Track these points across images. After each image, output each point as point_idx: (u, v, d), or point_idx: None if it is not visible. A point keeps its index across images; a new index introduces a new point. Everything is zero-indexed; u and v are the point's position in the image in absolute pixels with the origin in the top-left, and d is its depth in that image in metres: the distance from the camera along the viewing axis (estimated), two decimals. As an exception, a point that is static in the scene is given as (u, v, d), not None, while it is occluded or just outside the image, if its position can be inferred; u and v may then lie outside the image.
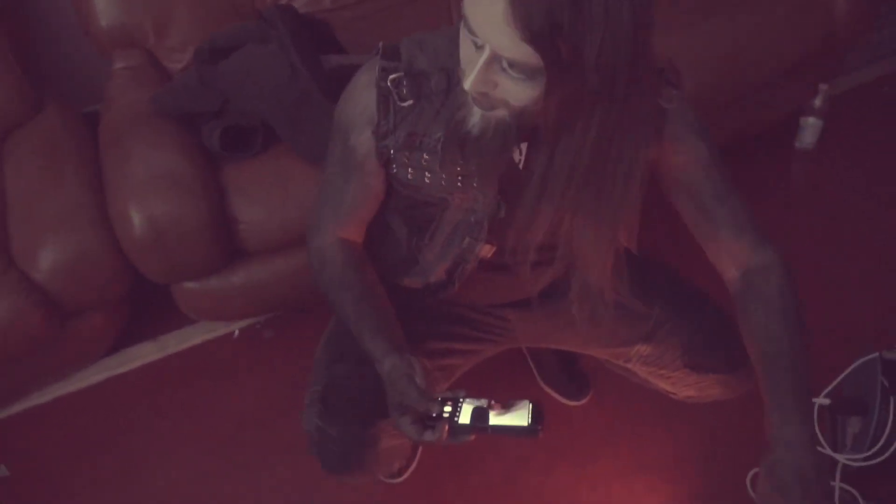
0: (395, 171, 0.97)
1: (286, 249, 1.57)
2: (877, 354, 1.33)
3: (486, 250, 1.06)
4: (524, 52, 0.71)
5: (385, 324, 1.01)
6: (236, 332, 1.76)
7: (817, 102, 2.15)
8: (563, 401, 1.57)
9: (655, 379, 1.23)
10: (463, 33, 0.77)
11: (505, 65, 0.75)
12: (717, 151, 0.98)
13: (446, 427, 0.89)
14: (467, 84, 0.77)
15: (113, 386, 1.66)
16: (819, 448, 1.28)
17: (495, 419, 0.90)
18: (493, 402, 0.92)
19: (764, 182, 2.14)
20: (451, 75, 0.90)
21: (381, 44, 0.93)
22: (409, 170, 0.96)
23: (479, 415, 0.90)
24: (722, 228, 0.99)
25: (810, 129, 2.19)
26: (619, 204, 0.86)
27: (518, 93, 0.77)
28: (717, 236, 1.00)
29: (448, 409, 0.91)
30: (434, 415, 0.90)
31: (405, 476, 1.46)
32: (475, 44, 0.75)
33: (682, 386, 1.20)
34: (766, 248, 0.99)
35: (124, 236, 1.42)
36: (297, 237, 1.51)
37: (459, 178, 0.95)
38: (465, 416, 0.90)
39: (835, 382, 1.37)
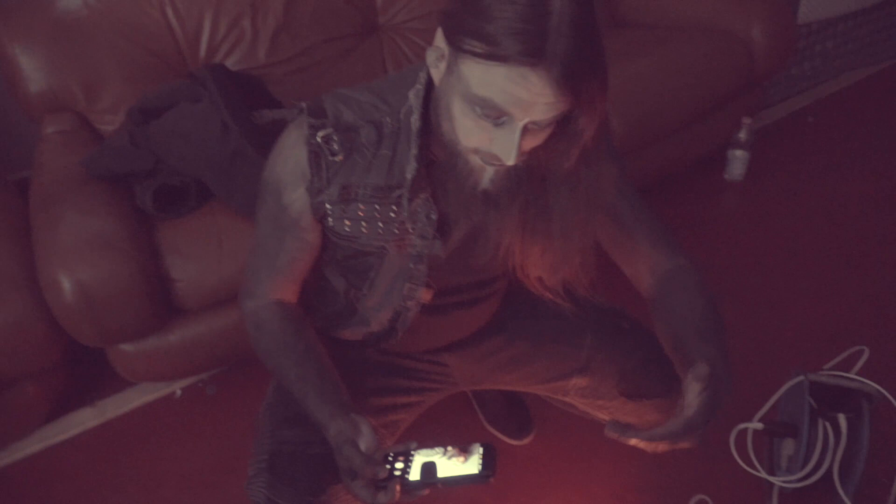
0: (331, 224, 0.98)
1: (225, 305, 1.57)
2: (803, 377, 1.37)
3: (426, 294, 1.07)
4: (559, 108, 0.78)
5: (328, 385, 0.99)
6: (178, 392, 1.74)
7: (742, 135, 2.25)
8: (509, 441, 1.58)
9: (595, 410, 1.25)
10: (470, 114, 0.80)
11: (532, 125, 0.80)
12: (625, 169, 1.03)
13: (398, 486, 0.89)
14: (511, 161, 0.81)
15: (51, 455, 1.61)
16: (755, 472, 1.33)
17: (444, 471, 0.90)
18: (447, 449, 0.93)
19: (695, 214, 2.21)
20: (381, 127, 0.93)
21: (303, 103, 0.95)
22: (346, 222, 0.98)
23: (428, 469, 0.91)
24: (640, 243, 1.04)
25: (738, 162, 2.28)
26: (582, 228, 0.93)
27: (536, 140, 0.83)
28: (636, 251, 1.05)
29: (399, 465, 0.91)
30: (382, 476, 0.90)
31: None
32: (495, 122, 0.80)
33: (621, 415, 1.22)
34: (681, 255, 1.05)
35: (55, 302, 1.40)
36: (235, 292, 1.46)
37: (397, 224, 0.97)
38: (416, 472, 0.91)
39: (766, 406, 1.40)
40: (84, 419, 1.68)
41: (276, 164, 0.97)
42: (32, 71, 1.69)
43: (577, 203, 0.90)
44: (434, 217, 0.96)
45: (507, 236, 0.96)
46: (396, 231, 0.98)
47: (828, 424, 1.33)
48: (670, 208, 2.24)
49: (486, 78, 0.77)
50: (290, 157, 0.94)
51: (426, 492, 0.90)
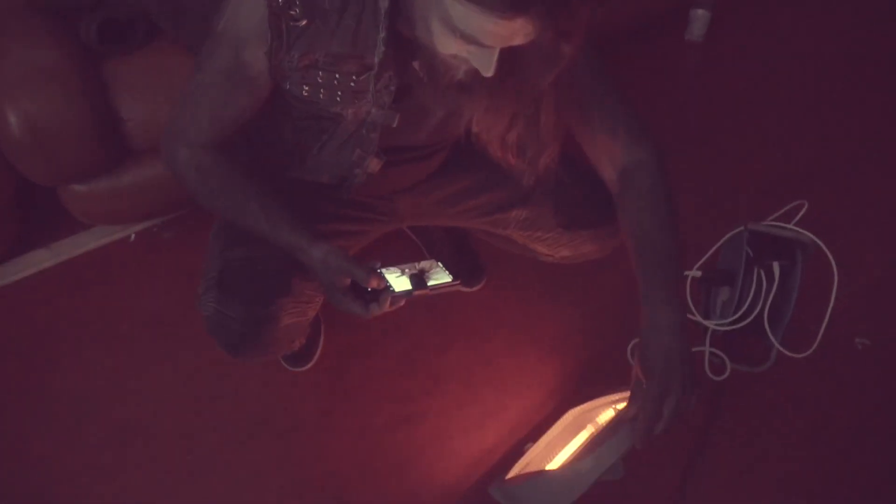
0: (288, 87, 0.96)
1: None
2: (743, 227, 1.43)
3: (375, 164, 1.09)
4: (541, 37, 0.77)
5: (295, 215, 1.02)
6: (132, 236, 1.73)
7: (705, -7, 2.21)
8: (460, 288, 1.63)
9: (533, 243, 1.29)
10: (449, 35, 0.78)
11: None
12: (594, 50, 1.01)
13: (388, 298, 0.96)
14: (488, 73, 0.81)
15: (7, 295, 1.62)
16: (690, 316, 1.42)
17: (429, 281, 0.98)
18: (403, 266, 1.00)
19: (656, 73, 2.20)
20: None
21: None
22: (304, 87, 0.96)
23: (418, 279, 0.98)
24: (599, 129, 1.04)
25: (699, 21, 2.26)
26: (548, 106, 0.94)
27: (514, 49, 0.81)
28: (594, 137, 1.05)
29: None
30: (380, 286, 0.96)
31: (310, 364, 1.51)
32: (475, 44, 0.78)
33: (558, 247, 1.28)
34: (640, 144, 1.05)
35: (2, 137, 1.36)
36: None
37: (355, 93, 0.96)
38: (399, 284, 0.97)
39: (706, 256, 1.47)
40: (39, 260, 1.68)
41: (235, 16, 0.91)
42: None
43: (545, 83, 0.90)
44: (393, 89, 0.95)
45: (472, 113, 0.96)
46: (354, 99, 0.97)
47: (763, 272, 1.40)
48: (629, 67, 2.22)
49: (468, 16, 0.75)
50: (250, 15, 0.89)
51: (402, 302, 0.97)
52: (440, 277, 1.01)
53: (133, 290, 1.63)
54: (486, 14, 0.73)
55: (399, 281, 0.99)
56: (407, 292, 0.97)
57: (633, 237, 1.04)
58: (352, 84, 0.95)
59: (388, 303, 0.97)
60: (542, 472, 1.14)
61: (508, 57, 0.82)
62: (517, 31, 0.75)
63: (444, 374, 1.51)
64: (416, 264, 1.03)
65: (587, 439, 1.15)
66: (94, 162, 1.47)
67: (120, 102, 1.45)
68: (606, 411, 1.19)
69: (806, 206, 1.48)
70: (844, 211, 1.81)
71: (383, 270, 0.99)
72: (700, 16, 2.25)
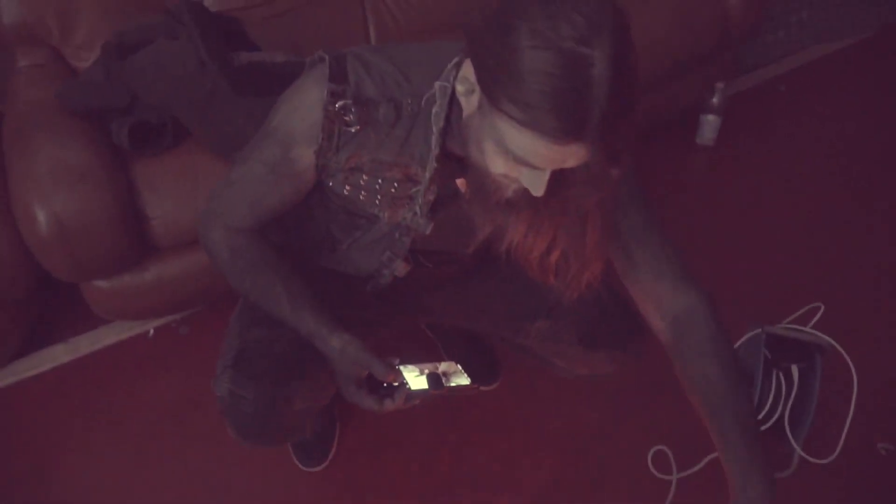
0: (331, 185, 1.01)
1: (199, 245, 1.57)
2: (760, 330, 1.43)
3: (402, 268, 1.12)
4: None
5: (319, 302, 1.04)
6: (151, 332, 1.75)
7: (715, 100, 2.28)
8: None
9: (551, 356, 1.29)
10: (503, 156, 0.81)
11: None
12: (636, 189, 1.02)
13: (403, 395, 0.96)
14: (539, 193, 0.82)
15: (23, 389, 1.62)
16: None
17: (448, 383, 0.98)
18: (422, 365, 1.00)
19: (667, 176, 2.25)
20: (400, 107, 0.93)
21: (326, 56, 0.93)
22: (347, 186, 1.00)
23: (435, 380, 0.98)
24: (643, 268, 1.02)
25: (709, 126, 2.32)
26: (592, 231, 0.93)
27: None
28: (638, 277, 1.03)
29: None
30: (397, 381, 0.97)
31: (324, 465, 1.49)
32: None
33: (575, 363, 1.27)
34: (690, 288, 1.02)
35: (29, 233, 1.40)
36: None
37: (395, 199, 1.00)
38: (417, 383, 0.97)
39: (724, 357, 1.46)
40: (56, 355, 1.69)
41: (291, 115, 0.96)
42: (6, 1, 1.64)
43: (588, 207, 0.90)
44: (431, 199, 0.99)
45: (516, 231, 0.95)
46: (393, 204, 1.01)
47: (781, 375, 1.39)
48: (642, 170, 2.28)
49: (523, 141, 0.77)
50: (306, 115, 0.94)
51: (418, 401, 0.97)
52: (458, 380, 1.01)
53: (148, 388, 1.64)
54: (541, 139, 0.75)
55: (416, 380, 0.99)
56: (423, 391, 0.97)
57: (701, 394, 1.00)
58: (393, 190, 0.99)
59: (403, 399, 0.97)
60: None
61: (557, 177, 0.83)
62: (570, 155, 0.77)
63: (461, 476, 1.48)
64: (437, 365, 1.02)
65: None
66: (117, 259, 1.51)
67: (146, 201, 1.50)
68: None
69: (822, 309, 1.48)
70: (860, 312, 1.80)
71: (401, 367, 0.99)
72: (710, 121, 2.31)
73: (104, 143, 1.51)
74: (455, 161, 0.94)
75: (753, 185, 2.26)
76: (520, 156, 0.79)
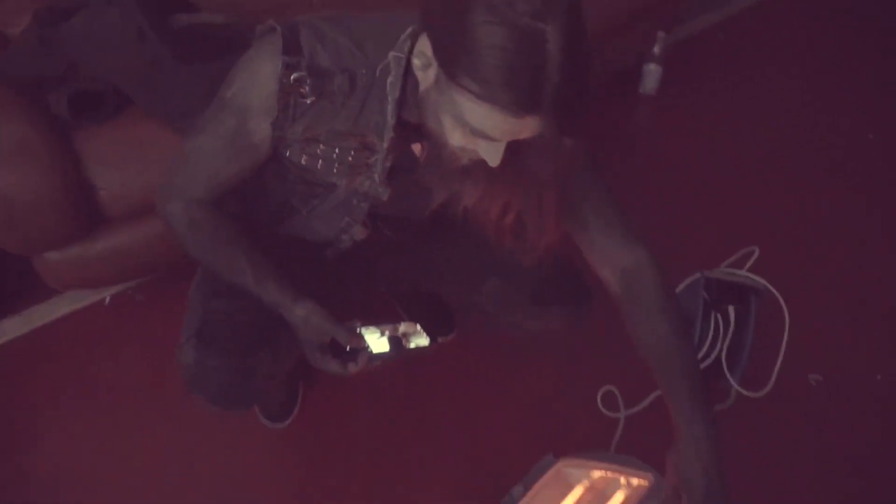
0: (287, 155, 1.02)
1: (150, 213, 1.56)
2: (699, 274, 1.50)
3: (360, 232, 1.15)
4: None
5: (281, 272, 1.06)
6: (107, 299, 1.75)
7: (656, 49, 2.33)
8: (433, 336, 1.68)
9: (504, 314, 1.33)
10: (460, 129, 0.84)
11: None
12: (588, 154, 1.04)
13: (366, 358, 1.00)
14: (495, 164, 0.86)
15: (-19, 363, 1.62)
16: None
17: (409, 345, 1.03)
18: (382, 326, 1.03)
19: (610, 125, 2.30)
20: (354, 78, 0.94)
21: (277, 27, 0.93)
22: (304, 156, 1.01)
23: (396, 343, 1.02)
24: (595, 230, 1.06)
25: (651, 76, 2.37)
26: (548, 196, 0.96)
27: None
28: (591, 238, 1.07)
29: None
30: (359, 345, 1.01)
31: (288, 422, 1.53)
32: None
33: (528, 320, 1.32)
34: (637, 245, 1.06)
35: (-25, 211, 1.38)
36: None
37: (351, 167, 1.01)
38: (378, 346, 1.02)
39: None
40: (11, 328, 1.69)
41: (244, 88, 0.96)
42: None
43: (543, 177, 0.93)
44: (388, 166, 1.01)
45: (471, 196, 0.99)
46: (350, 173, 1.02)
47: (719, 316, 1.48)
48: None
49: (480, 114, 0.79)
50: (261, 88, 0.94)
51: (380, 363, 1.02)
52: (418, 341, 1.05)
53: (109, 357, 1.65)
54: (498, 112, 0.78)
55: (378, 342, 1.03)
56: (384, 354, 1.02)
57: (648, 346, 1.04)
58: (350, 159, 1.01)
59: (366, 362, 1.01)
60: None
61: (513, 148, 0.86)
62: (525, 127, 0.80)
63: (423, 426, 1.54)
64: (397, 326, 1.06)
65: None
66: (68, 231, 1.49)
67: (93, 172, 1.48)
68: (606, 479, 1.17)
69: (757, 252, 1.56)
70: (794, 254, 1.89)
71: (363, 330, 1.03)
72: (652, 70, 2.36)
73: (42, 115, 1.47)
74: (411, 129, 0.96)
75: (694, 132, 2.33)
76: (477, 128, 0.82)
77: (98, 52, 1.52)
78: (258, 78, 0.94)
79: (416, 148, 1.00)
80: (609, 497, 1.13)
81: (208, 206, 1.06)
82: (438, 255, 1.31)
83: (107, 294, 1.76)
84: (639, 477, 1.09)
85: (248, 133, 0.98)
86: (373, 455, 1.50)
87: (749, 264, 1.53)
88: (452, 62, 0.78)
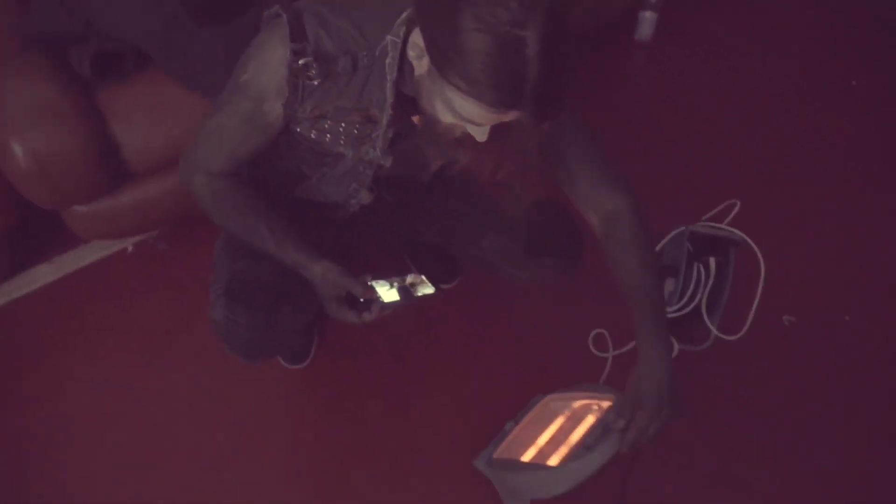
0: (298, 130, 1.12)
1: (170, 168, 1.66)
2: (684, 228, 1.62)
3: (367, 196, 1.27)
4: None
5: (298, 234, 1.18)
6: (130, 248, 1.86)
7: (652, -5, 2.36)
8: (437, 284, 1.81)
9: (502, 265, 1.45)
10: (451, 113, 0.93)
11: None
12: (576, 114, 1.16)
13: (378, 307, 1.14)
14: (482, 140, 0.97)
15: (15, 309, 1.74)
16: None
17: (417, 293, 1.16)
18: (391, 278, 1.17)
19: (605, 72, 2.36)
20: (356, 59, 1.04)
21: (283, 14, 1.02)
22: (313, 131, 1.12)
23: (405, 292, 1.16)
24: (581, 178, 1.19)
25: (646, 23, 2.41)
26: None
27: None
28: (577, 185, 1.20)
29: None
30: (372, 296, 1.14)
31: (306, 362, 1.67)
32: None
33: (524, 270, 1.44)
34: (620, 192, 1.19)
35: (9, 169, 1.47)
36: (180, 154, 1.59)
37: (357, 138, 1.12)
38: (388, 296, 1.15)
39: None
40: (43, 274, 1.80)
41: (258, 72, 1.06)
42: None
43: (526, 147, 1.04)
44: (390, 136, 1.12)
45: (462, 163, 1.10)
46: (356, 143, 1.13)
47: (701, 266, 1.60)
48: (580, 68, 2.38)
49: (467, 106, 0.90)
50: (273, 73, 1.04)
51: (390, 311, 1.15)
52: (425, 290, 1.19)
53: (135, 303, 1.76)
54: (483, 107, 0.89)
55: (388, 293, 1.16)
56: (395, 303, 1.15)
57: (620, 279, 1.19)
58: (355, 131, 1.12)
59: (378, 311, 1.15)
60: (541, 466, 1.31)
61: (498, 125, 0.97)
62: (508, 117, 0.92)
63: (428, 365, 1.68)
64: (405, 278, 1.19)
65: (581, 435, 1.30)
66: (94, 185, 1.59)
67: (116, 129, 1.56)
68: (584, 406, 1.36)
69: (738, 206, 1.68)
70: (773, 206, 1.98)
71: (374, 283, 1.16)
72: (647, 17, 2.40)
73: (68, 74, 1.55)
74: (410, 102, 1.06)
75: (684, 81, 2.38)
76: (464, 116, 0.93)
77: (117, 10, 1.57)
78: (270, 64, 1.04)
79: (416, 119, 1.11)
80: (582, 420, 1.31)
81: (229, 177, 1.17)
82: (439, 213, 1.43)
83: (130, 243, 1.86)
84: (607, 399, 1.28)
85: (263, 114, 1.08)
86: (385, 388, 1.64)
87: (730, 217, 1.65)
88: (442, 61, 0.88)
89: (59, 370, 1.65)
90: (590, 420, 1.31)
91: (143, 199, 1.68)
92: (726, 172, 2.08)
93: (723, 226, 1.62)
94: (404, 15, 1.02)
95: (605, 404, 1.29)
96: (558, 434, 1.36)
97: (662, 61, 2.45)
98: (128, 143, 1.58)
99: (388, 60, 1.03)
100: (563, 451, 1.30)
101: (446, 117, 0.96)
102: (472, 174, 1.12)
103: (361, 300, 1.17)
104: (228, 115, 1.11)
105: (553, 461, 1.30)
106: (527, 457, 1.37)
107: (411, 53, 0.97)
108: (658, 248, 1.66)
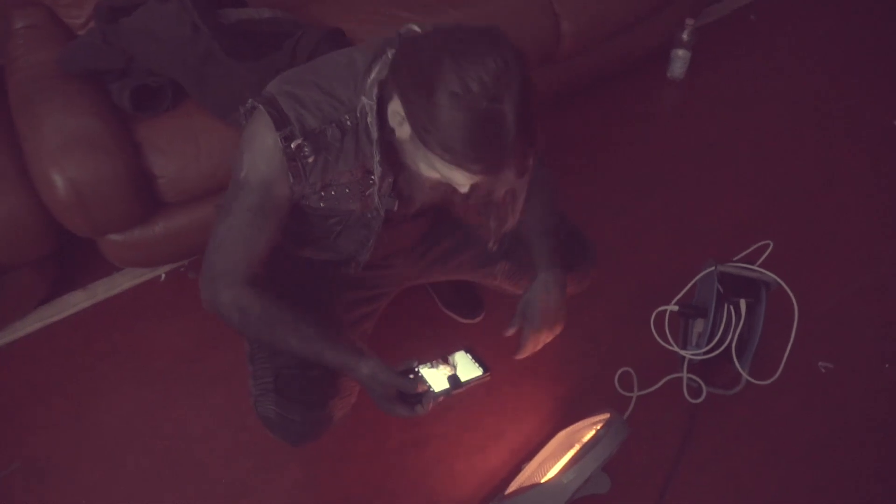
0: (308, 203, 1.15)
1: (203, 198, 1.70)
2: (714, 267, 1.60)
3: (392, 202, 1.25)
4: None
5: (333, 336, 1.15)
6: (163, 276, 1.89)
7: (685, 36, 2.37)
8: (462, 320, 1.81)
9: (521, 290, 1.44)
10: (434, 174, 1.00)
11: None
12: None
13: (430, 399, 1.13)
14: (464, 192, 1.01)
15: (49, 334, 1.77)
16: (668, 346, 1.57)
17: (463, 378, 1.17)
18: (436, 361, 1.18)
19: (637, 109, 2.37)
20: (342, 125, 1.07)
21: (259, 105, 1.04)
22: (321, 202, 1.15)
23: (454, 380, 1.16)
24: None
25: (679, 61, 2.42)
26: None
27: None
28: None
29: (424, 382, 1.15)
30: (422, 390, 1.13)
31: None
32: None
33: None
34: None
35: (49, 199, 1.52)
36: (212, 186, 1.65)
37: (361, 192, 1.15)
38: (438, 384, 1.15)
39: (683, 291, 1.63)
40: (77, 301, 1.84)
41: (255, 163, 1.07)
42: (-3, -36, 1.69)
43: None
44: (391, 181, 1.14)
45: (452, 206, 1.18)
46: (361, 196, 1.16)
47: (732, 308, 1.57)
48: (614, 104, 2.39)
49: (450, 172, 0.96)
50: (270, 159, 1.06)
51: (441, 399, 1.14)
52: (472, 372, 1.20)
53: (164, 329, 1.79)
54: (465, 173, 0.95)
55: (438, 379, 1.16)
56: (446, 391, 1.15)
57: (527, 222, 1.29)
58: (359, 186, 1.14)
59: (432, 403, 1.13)
60: (533, 485, 1.33)
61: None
62: (490, 178, 0.97)
63: (448, 402, 1.66)
64: (450, 357, 1.21)
65: (572, 456, 1.34)
66: (129, 215, 1.63)
67: (152, 161, 1.60)
68: (589, 432, 1.38)
69: (771, 246, 1.64)
70: (807, 249, 1.96)
71: (421, 368, 1.15)
72: (680, 55, 2.41)
73: (107, 107, 1.60)
74: (396, 147, 1.08)
75: (718, 119, 2.38)
76: (447, 177, 0.98)
77: (154, 46, 1.63)
78: (264, 152, 1.06)
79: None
80: (584, 436, 1.39)
81: (253, 289, 1.12)
82: (448, 251, 1.47)
83: (162, 271, 1.90)
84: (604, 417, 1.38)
85: (273, 199, 1.09)
86: (402, 424, 1.62)
87: (763, 258, 1.61)
88: (425, 135, 0.93)
89: (87, 393, 1.67)
90: (590, 434, 1.37)
91: (175, 229, 1.72)
92: (759, 212, 2.06)
93: (753, 266, 1.59)
94: (373, 75, 1.04)
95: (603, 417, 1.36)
96: (557, 451, 1.42)
97: (695, 99, 2.45)
98: (163, 174, 1.62)
99: (368, 119, 1.06)
100: (557, 466, 1.35)
101: (430, 175, 1.01)
102: (458, 212, 1.23)
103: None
104: (236, 214, 1.09)
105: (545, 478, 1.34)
106: (528, 480, 1.40)
107: (391, 122, 1.01)
108: (688, 287, 1.63)
